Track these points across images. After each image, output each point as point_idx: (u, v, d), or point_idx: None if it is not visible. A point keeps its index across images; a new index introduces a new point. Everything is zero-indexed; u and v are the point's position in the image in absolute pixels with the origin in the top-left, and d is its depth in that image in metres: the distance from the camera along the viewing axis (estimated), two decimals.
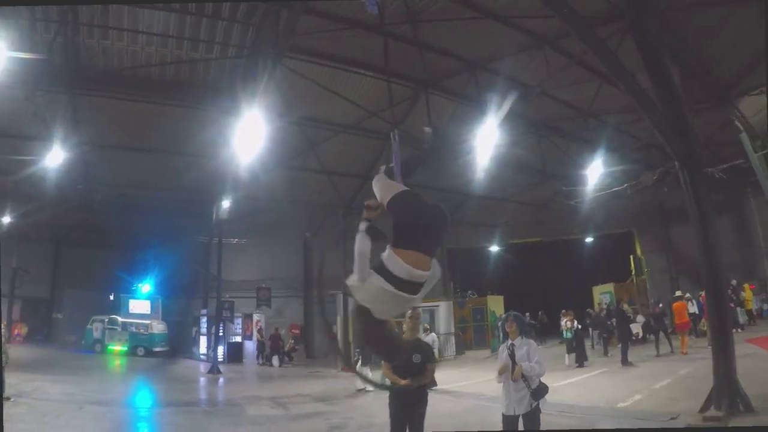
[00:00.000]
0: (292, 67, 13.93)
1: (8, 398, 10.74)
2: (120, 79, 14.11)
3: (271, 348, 23.58)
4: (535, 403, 5.65)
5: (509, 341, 6.08)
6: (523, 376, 5.57)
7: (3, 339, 11.38)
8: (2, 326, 11.54)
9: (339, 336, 20.82)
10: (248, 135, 13.51)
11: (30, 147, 15.65)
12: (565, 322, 17.31)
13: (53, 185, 16.82)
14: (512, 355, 5.85)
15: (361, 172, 20.56)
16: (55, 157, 15.04)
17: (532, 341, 6.15)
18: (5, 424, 9.01)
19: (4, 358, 11.17)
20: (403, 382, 5.83)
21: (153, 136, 17.03)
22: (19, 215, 21.17)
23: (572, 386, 12.92)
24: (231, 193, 19.36)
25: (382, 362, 6.22)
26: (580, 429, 6.62)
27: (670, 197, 21.66)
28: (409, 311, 6.53)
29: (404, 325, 6.49)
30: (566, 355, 16.96)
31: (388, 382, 6.15)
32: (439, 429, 8.49)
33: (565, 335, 17.35)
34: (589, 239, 27.29)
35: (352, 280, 3.48)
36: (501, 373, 5.83)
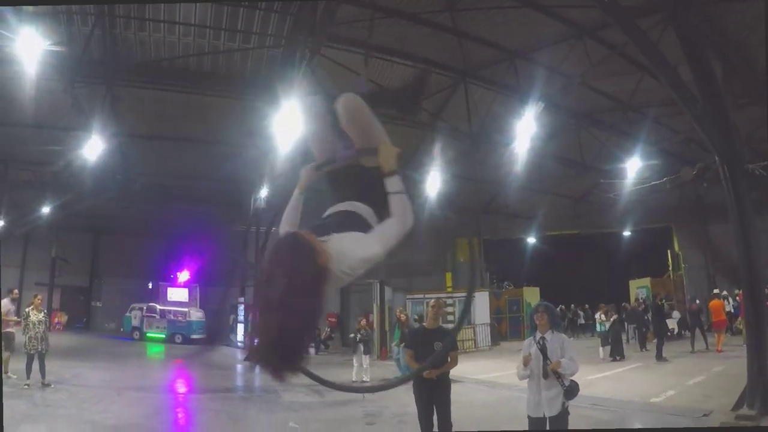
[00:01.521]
0: (330, 57, 13.95)
1: (49, 384, 11.19)
2: (157, 70, 14.37)
3: None
4: (567, 404, 5.15)
5: (538, 334, 5.47)
6: (556, 373, 5.01)
7: (45, 327, 11.73)
8: (43, 314, 11.87)
9: (376, 324, 21.00)
10: (286, 125, 13.70)
11: (69, 138, 16.04)
12: (600, 315, 17.17)
13: (92, 176, 17.29)
14: (543, 350, 5.27)
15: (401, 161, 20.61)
16: (93, 148, 15.39)
17: (564, 335, 5.59)
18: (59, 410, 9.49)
19: (45, 346, 11.53)
20: (424, 374, 5.82)
21: (190, 127, 17.33)
22: (59, 205, 21.76)
23: (606, 380, 12.82)
24: (269, 182, 19.57)
25: (405, 350, 6.30)
26: (608, 429, 6.39)
27: (709, 193, 21.15)
28: (432, 300, 6.63)
29: (427, 313, 6.55)
30: (600, 348, 16.80)
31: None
32: (472, 419, 8.63)
33: (600, 329, 17.21)
34: (626, 233, 26.77)
35: None
36: (526, 364, 5.33)
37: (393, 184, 2.72)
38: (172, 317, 25.96)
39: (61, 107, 14.66)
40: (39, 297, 12.14)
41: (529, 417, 5.25)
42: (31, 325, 11.33)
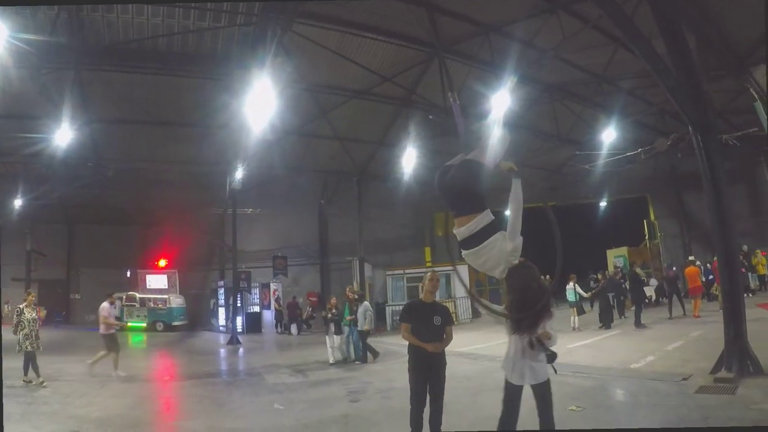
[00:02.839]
0: (302, 33, 13.80)
1: (42, 382, 10.95)
2: (126, 53, 14.03)
3: (289, 317, 23.84)
4: (554, 370, 5.02)
5: None
6: (541, 343, 4.86)
7: (37, 325, 11.50)
8: (36, 312, 11.63)
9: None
10: (259, 103, 13.47)
11: (38, 127, 15.62)
12: (573, 285, 17.56)
13: (63, 164, 16.88)
14: None
15: (375, 137, 20.52)
16: (64, 135, 15.02)
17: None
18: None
19: (37, 344, 11.33)
20: (430, 347, 5.84)
21: (162, 109, 16.96)
22: (31, 197, 21.34)
23: (586, 348, 13.03)
24: (244, 162, 19.35)
25: (402, 324, 6.24)
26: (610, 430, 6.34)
27: (683, 163, 21.60)
28: (429, 273, 6.60)
29: (422, 287, 6.51)
30: (572, 318, 17.17)
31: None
32: (455, 390, 8.70)
33: (571, 298, 17.56)
34: (603, 203, 27.20)
35: None
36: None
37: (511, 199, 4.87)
38: (153, 305, 25.70)
39: (29, 95, 14.37)
40: (32, 294, 11.96)
41: (507, 383, 5.05)
42: (25, 323, 11.13)
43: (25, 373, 11.08)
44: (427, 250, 25.19)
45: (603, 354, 11.83)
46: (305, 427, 7.71)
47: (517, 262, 4.42)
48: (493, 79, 14.79)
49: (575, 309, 17.30)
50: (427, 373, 5.97)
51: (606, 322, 15.82)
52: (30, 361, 11.12)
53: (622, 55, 13.64)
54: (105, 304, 13.38)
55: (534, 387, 4.96)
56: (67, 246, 28.66)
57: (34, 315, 11.43)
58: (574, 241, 27.24)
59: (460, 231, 4.51)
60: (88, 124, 16.29)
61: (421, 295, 6.33)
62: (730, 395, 7.46)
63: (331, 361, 13.66)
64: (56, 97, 14.44)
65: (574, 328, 16.61)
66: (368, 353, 13.85)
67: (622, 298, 18.51)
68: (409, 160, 18.79)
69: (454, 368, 11.21)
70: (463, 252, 4.88)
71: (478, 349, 14.25)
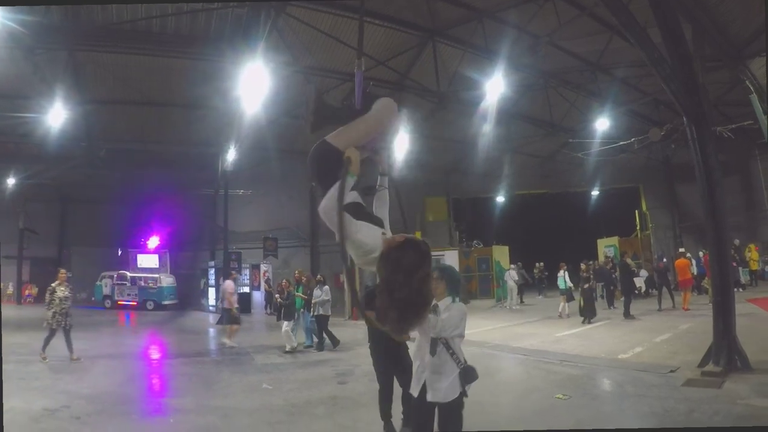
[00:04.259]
0: (295, 15, 13.69)
1: (78, 359, 11.05)
2: (119, 34, 13.85)
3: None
4: (461, 390, 4.11)
5: (434, 302, 4.21)
6: (451, 349, 4.07)
7: (69, 303, 11.52)
8: (69, 290, 11.63)
9: (346, 285, 20.97)
10: (252, 85, 13.43)
11: (31, 106, 15.57)
12: (564, 273, 17.72)
13: (56, 143, 16.83)
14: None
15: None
16: (56, 115, 15.03)
17: (462, 306, 4.45)
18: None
19: (70, 321, 11.39)
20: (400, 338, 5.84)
21: (155, 90, 16.89)
22: (24, 176, 21.51)
23: (574, 337, 13.12)
24: (236, 144, 19.28)
25: (368, 310, 6.22)
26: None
27: (676, 154, 21.61)
28: None
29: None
30: (561, 304, 17.33)
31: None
32: None
33: (562, 286, 17.72)
34: (595, 192, 27.26)
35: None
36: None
37: (384, 181, 3.60)
38: (143, 284, 25.72)
39: (22, 75, 14.23)
40: (64, 272, 11.92)
41: (414, 398, 4.17)
42: (57, 301, 11.17)
43: (43, 350, 11.13)
44: (417, 234, 25.12)
45: (591, 343, 11.90)
46: (293, 407, 7.78)
47: (374, 253, 3.16)
48: (487, 64, 14.73)
49: (565, 297, 17.43)
50: (391, 361, 6.11)
51: (588, 316, 15.42)
52: (52, 338, 11.18)
53: (617, 43, 13.57)
54: (229, 282, 14.07)
55: (442, 407, 4.03)
56: (60, 224, 28.50)
57: (66, 293, 11.46)
58: (564, 230, 27.53)
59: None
60: (81, 105, 16.22)
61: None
62: (716, 389, 7.49)
63: (287, 348, 12.88)
64: (49, 78, 14.39)
65: (560, 315, 16.83)
66: (329, 340, 13.28)
67: (611, 288, 18.57)
68: (401, 143, 18.74)
69: None
70: None
71: (467, 335, 14.28)
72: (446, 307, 4.37)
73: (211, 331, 18.82)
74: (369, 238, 3.09)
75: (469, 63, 16.00)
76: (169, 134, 19.50)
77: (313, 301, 13.27)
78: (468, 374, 3.99)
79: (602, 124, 18.15)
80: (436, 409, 4.03)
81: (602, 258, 22.46)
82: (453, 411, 4.02)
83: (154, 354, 13.98)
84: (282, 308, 13.73)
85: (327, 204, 3.05)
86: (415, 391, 4.03)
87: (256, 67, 12.84)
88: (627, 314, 15.45)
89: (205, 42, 14.34)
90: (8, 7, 10.77)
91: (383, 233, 3.22)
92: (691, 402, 6.87)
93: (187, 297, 26.58)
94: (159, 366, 12.17)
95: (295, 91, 16.15)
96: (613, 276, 18.52)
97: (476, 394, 7.86)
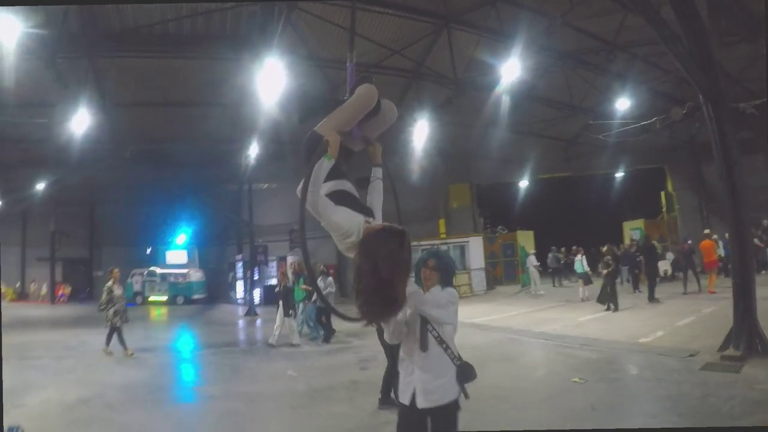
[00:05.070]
0: (308, 10, 13.83)
1: (132, 354, 11.35)
2: (137, 38, 14.22)
3: None
4: (459, 391, 3.45)
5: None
6: (444, 343, 3.43)
7: (124, 301, 12.05)
8: (122, 288, 12.17)
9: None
10: (270, 81, 13.59)
11: (56, 113, 16.02)
12: (581, 258, 17.82)
13: (82, 147, 17.28)
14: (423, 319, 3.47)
15: None
16: (81, 121, 15.48)
17: (452, 291, 3.67)
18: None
19: (125, 318, 11.82)
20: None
21: (176, 90, 17.22)
22: (53, 181, 22.24)
23: (597, 321, 13.11)
24: (257, 139, 19.52)
25: None
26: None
27: (701, 132, 21.01)
28: None
29: None
30: (580, 288, 17.38)
31: None
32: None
33: (579, 269, 17.84)
34: (619, 174, 26.83)
35: None
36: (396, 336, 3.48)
37: (378, 172, 3.65)
38: (173, 280, 26.40)
39: (45, 84, 14.58)
40: (117, 271, 12.30)
41: (402, 406, 3.50)
42: (115, 300, 11.56)
43: (107, 344, 11.51)
44: (442, 222, 25.12)
45: (613, 327, 11.85)
46: (315, 392, 8.05)
47: (351, 238, 3.21)
48: (503, 48, 14.65)
49: (582, 280, 17.44)
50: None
51: (607, 302, 14.83)
52: (115, 334, 11.53)
53: (632, 21, 13.34)
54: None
55: (434, 412, 3.37)
56: (90, 225, 29.63)
57: (121, 291, 11.96)
58: (589, 213, 27.20)
59: None
60: (105, 109, 16.62)
61: None
62: (734, 374, 7.41)
63: (270, 341, 12.57)
64: (72, 85, 14.78)
65: (582, 299, 16.85)
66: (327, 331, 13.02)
67: (636, 271, 18.31)
68: (421, 131, 18.78)
69: (464, 338, 11.42)
70: None
71: (491, 321, 14.46)
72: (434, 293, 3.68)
73: (240, 322, 19.20)
74: (346, 222, 3.19)
75: (485, 48, 15.91)
76: (192, 133, 19.78)
77: (324, 292, 12.82)
78: (466, 372, 3.41)
79: (623, 104, 17.87)
80: (428, 418, 3.39)
81: (628, 241, 22.18)
82: (449, 416, 3.41)
83: (184, 346, 14.44)
84: (279, 301, 13.22)
85: (302, 183, 3.18)
86: (405, 398, 3.41)
87: (273, 63, 13.00)
88: (651, 298, 15.27)
89: (222, 41, 14.57)
90: (28, 20, 11.10)
91: (366, 221, 3.26)
92: (707, 386, 6.81)
93: (216, 291, 27.22)
94: (188, 357, 12.62)
95: (311, 83, 16.35)
96: (638, 259, 18.26)
97: (496, 377, 8.08)
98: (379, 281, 2.95)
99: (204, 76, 16.14)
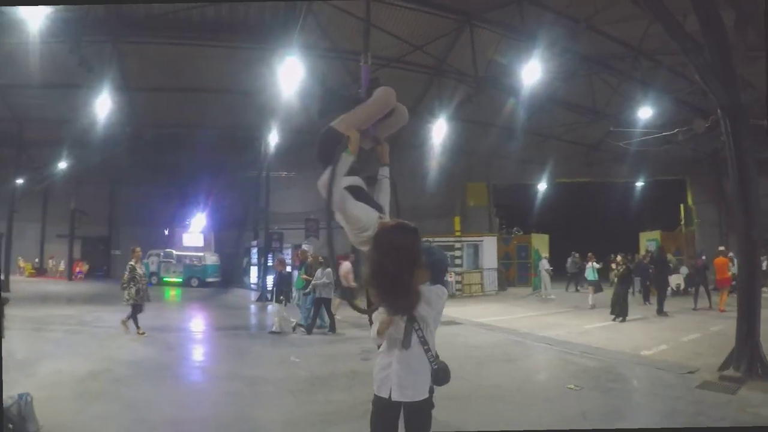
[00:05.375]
0: (331, 2, 13.96)
1: (143, 333, 11.55)
2: (161, 24, 14.53)
3: None
4: (431, 389, 3.47)
5: None
6: (426, 344, 3.40)
7: (146, 279, 12.18)
8: (140, 265, 12.03)
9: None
10: (290, 71, 13.72)
11: (79, 95, 16.42)
12: (592, 264, 17.80)
13: (104, 129, 17.65)
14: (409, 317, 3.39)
15: (406, 105, 20.50)
16: (103, 103, 15.84)
17: (441, 289, 3.56)
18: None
19: (147, 296, 11.97)
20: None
21: (197, 77, 17.56)
22: (75, 160, 22.77)
23: (603, 330, 13.06)
24: (277, 127, 19.72)
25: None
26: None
27: (725, 147, 20.67)
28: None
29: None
30: (590, 296, 17.35)
31: None
32: (463, 359, 9.00)
33: (590, 276, 17.79)
34: (639, 183, 26.56)
35: None
36: (381, 332, 3.46)
37: (386, 171, 3.84)
38: (188, 262, 26.92)
39: (69, 67, 14.90)
40: (139, 250, 12.44)
41: (377, 398, 3.49)
42: (137, 278, 11.66)
43: (137, 325, 11.64)
44: (457, 219, 25.15)
45: (617, 337, 11.81)
46: (316, 379, 8.19)
47: (368, 232, 3.33)
48: (525, 48, 14.61)
49: (593, 287, 17.41)
50: None
51: (615, 311, 14.52)
52: (139, 312, 11.69)
53: (656, 28, 13.18)
54: (347, 263, 14.13)
55: (409, 406, 3.41)
56: (109, 205, 30.31)
57: (143, 270, 12.05)
58: (606, 221, 26.97)
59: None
60: (126, 92, 16.97)
61: None
62: (729, 395, 7.30)
63: (275, 329, 12.53)
64: (96, 68, 15.09)
65: (591, 306, 16.82)
66: (322, 321, 12.97)
67: (647, 283, 18.15)
68: (440, 128, 18.81)
69: (468, 337, 11.66)
70: None
71: (497, 321, 14.53)
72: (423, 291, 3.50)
73: (251, 307, 19.46)
74: (364, 216, 3.37)
75: (507, 48, 15.92)
76: (213, 119, 20.07)
77: (312, 282, 12.93)
78: (440, 375, 3.35)
79: (645, 113, 17.67)
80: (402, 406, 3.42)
81: (643, 251, 22.00)
82: (422, 411, 3.45)
83: (194, 327, 14.74)
84: (273, 288, 13.28)
85: (324, 177, 3.39)
86: (384, 391, 3.41)
87: (294, 53, 13.14)
88: (660, 311, 15.16)
89: (245, 29, 14.78)
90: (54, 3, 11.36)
91: (380, 217, 3.44)
92: (701, 405, 6.76)
93: (230, 275, 27.59)
94: (197, 337, 12.89)
95: (331, 75, 16.45)
96: (650, 270, 18.12)
97: (496, 377, 8.18)
98: (398, 275, 3.09)
99: (225, 63, 16.38)
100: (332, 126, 3.61)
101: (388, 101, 3.74)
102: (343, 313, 13.85)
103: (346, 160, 3.42)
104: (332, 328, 12.78)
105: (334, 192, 3.30)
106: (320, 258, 13.69)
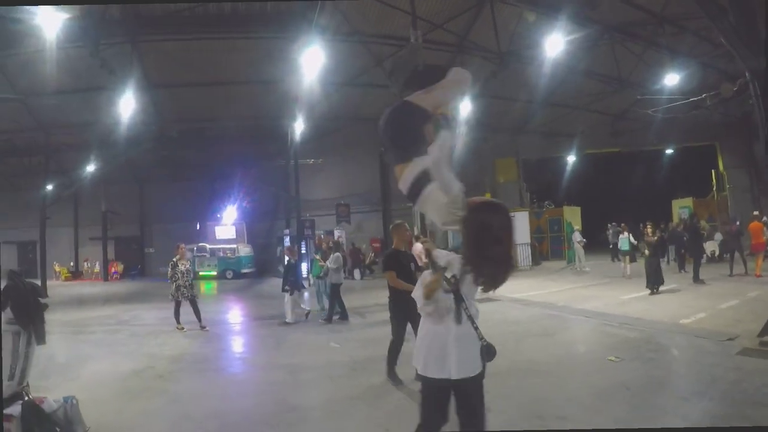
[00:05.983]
0: None
1: (205, 327, 11.79)
2: (179, 20, 14.65)
3: (352, 262, 24.36)
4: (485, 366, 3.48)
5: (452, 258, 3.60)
6: (475, 323, 3.39)
7: (190, 276, 12.23)
8: (182, 261, 12.17)
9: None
10: (313, 57, 13.77)
11: (102, 98, 16.75)
12: (628, 235, 17.56)
13: (129, 129, 17.99)
14: (456, 286, 3.40)
15: (430, 84, 20.50)
16: (126, 104, 15.98)
17: None
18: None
19: (194, 292, 12.15)
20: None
21: (219, 70, 17.69)
22: (103, 162, 22.99)
23: (639, 300, 12.95)
24: (303, 115, 19.79)
25: (388, 273, 6.83)
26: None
27: (755, 110, 20.14)
28: (398, 223, 7.61)
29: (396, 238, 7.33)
30: (625, 266, 17.34)
31: None
32: (503, 335, 9.06)
33: (623, 247, 17.65)
34: (669, 151, 26.07)
35: None
36: (428, 297, 3.45)
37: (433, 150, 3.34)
38: (222, 254, 27.27)
39: (91, 70, 15.21)
40: (183, 246, 12.61)
41: (428, 379, 3.50)
42: (178, 275, 11.84)
43: (178, 321, 11.88)
44: (488, 196, 25.02)
45: (655, 308, 11.69)
46: (354, 363, 8.36)
47: (461, 213, 3.21)
48: (547, 20, 14.40)
49: (628, 257, 17.30)
50: (406, 314, 6.68)
51: (652, 284, 13.98)
52: (180, 308, 11.90)
53: None
54: (418, 244, 14.25)
55: (463, 383, 3.44)
56: (139, 204, 30.84)
57: (187, 266, 12.18)
58: (638, 190, 26.62)
59: (399, 184, 3.48)
60: (149, 91, 17.19)
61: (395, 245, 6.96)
62: None
63: (288, 320, 12.48)
64: (117, 69, 15.30)
65: (624, 276, 16.84)
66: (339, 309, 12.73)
67: (682, 251, 17.93)
68: (467, 105, 18.70)
69: (506, 313, 11.72)
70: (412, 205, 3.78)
71: (533, 296, 14.55)
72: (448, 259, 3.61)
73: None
74: (462, 194, 3.27)
75: (529, 20, 15.68)
76: (238, 111, 20.26)
77: (320, 265, 13.17)
78: (490, 350, 3.34)
79: (671, 79, 17.31)
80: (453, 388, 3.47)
81: (676, 219, 21.67)
82: (480, 386, 3.50)
83: (231, 318, 14.98)
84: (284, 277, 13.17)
85: (435, 155, 3.18)
86: (438, 372, 3.42)
87: (316, 39, 13.16)
88: (696, 279, 15.00)
89: (263, 19, 14.79)
90: (70, 10, 11.53)
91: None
92: (741, 371, 6.68)
93: (264, 265, 27.93)
94: (236, 329, 13.07)
95: (355, 59, 16.41)
96: (684, 239, 17.88)
97: (533, 352, 8.23)
98: (503, 250, 3.18)
99: (246, 54, 16.48)
100: (410, 101, 3.39)
101: (465, 84, 3.64)
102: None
103: (446, 141, 3.24)
104: (344, 315, 12.61)
105: (444, 174, 3.17)
106: (330, 243, 13.87)
